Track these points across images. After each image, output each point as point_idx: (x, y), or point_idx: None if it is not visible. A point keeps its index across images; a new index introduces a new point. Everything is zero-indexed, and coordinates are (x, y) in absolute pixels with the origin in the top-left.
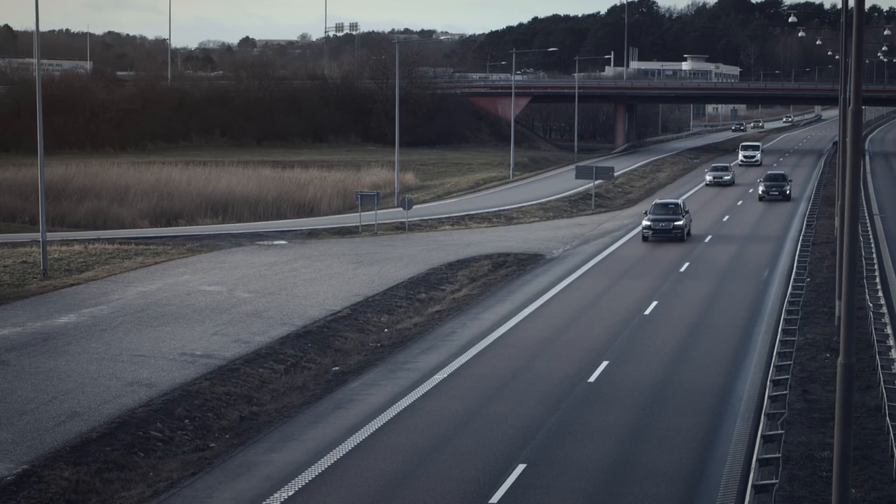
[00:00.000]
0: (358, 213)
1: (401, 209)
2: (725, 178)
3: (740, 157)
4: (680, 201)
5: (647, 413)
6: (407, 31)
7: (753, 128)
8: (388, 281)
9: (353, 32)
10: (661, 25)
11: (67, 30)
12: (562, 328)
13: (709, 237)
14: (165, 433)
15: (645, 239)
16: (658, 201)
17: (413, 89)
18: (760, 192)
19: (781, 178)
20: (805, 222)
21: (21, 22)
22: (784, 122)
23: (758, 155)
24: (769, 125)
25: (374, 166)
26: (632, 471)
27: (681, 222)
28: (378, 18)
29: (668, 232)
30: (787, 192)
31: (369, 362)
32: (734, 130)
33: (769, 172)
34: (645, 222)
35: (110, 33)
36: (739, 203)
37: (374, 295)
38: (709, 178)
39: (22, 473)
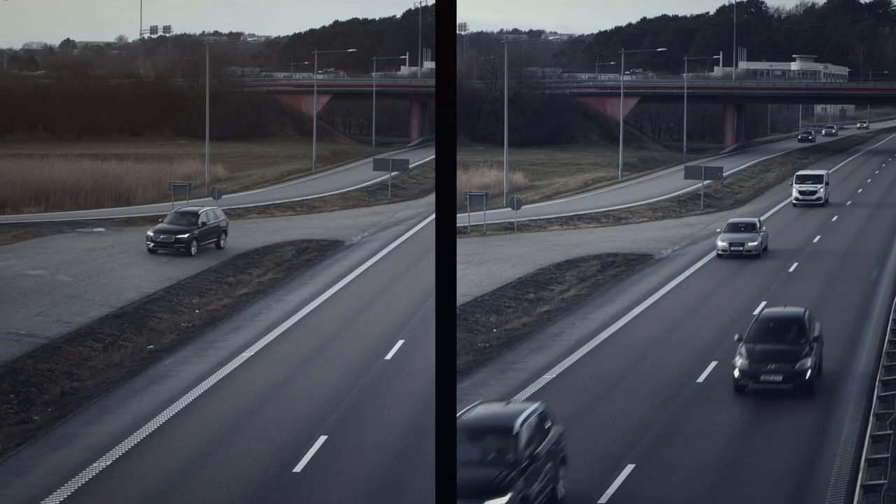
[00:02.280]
0: (467, 214)
1: (510, 209)
2: (750, 244)
3: (794, 193)
4: (518, 425)
5: (755, 413)
6: (516, 31)
7: (825, 135)
8: (497, 281)
9: (462, 33)
10: (770, 25)
11: None
12: (671, 328)
13: None
14: None
15: None
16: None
17: (522, 89)
18: (737, 375)
19: (796, 335)
20: None
21: None
22: (858, 127)
23: (821, 190)
24: (843, 133)
25: (483, 166)
26: (741, 471)
27: None
28: (487, 19)
29: None
30: (808, 373)
31: (478, 362)
32: (801, 140)
33: (766, 313)
34: None
35: None
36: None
37: (482, 295)
38: (721, 244)
39: None
